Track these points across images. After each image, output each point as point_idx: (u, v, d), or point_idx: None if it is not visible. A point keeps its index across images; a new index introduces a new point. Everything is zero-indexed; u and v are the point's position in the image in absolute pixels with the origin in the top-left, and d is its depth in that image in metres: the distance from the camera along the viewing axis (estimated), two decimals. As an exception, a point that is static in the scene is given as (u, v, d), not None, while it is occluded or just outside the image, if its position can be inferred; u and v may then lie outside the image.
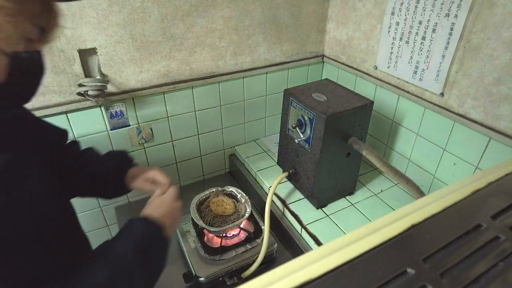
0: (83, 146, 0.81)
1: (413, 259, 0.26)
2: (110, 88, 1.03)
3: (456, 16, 0.88)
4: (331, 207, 1.09)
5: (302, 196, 1.12)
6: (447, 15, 0.90)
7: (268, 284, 0.24)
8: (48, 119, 0.75)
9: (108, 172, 0.77)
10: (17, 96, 0.52)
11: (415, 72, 1.03)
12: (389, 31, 1.08)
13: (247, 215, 1.00)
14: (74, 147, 0.80)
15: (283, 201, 1.11)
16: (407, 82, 1.07)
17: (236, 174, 1.39)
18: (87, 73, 0.99)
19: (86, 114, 1.04)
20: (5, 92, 0.48)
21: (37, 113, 0.80)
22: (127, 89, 1.07)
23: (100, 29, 0.95)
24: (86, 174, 0.75)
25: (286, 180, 1.16)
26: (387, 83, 1.14)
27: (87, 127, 1.06)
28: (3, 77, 0.46)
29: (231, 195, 1.10)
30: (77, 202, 0.69)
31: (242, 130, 1.39)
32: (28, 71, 0.50)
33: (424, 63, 0.99)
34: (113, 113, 1.08)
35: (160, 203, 0.68)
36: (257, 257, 0.94)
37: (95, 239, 0.64)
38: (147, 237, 0.59)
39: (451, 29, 0.90)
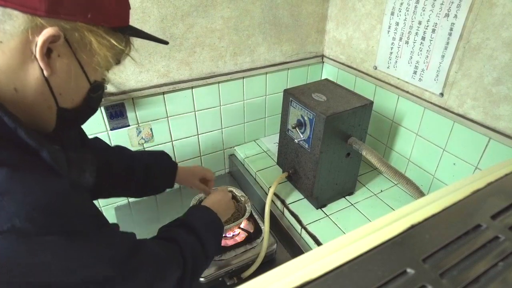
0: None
1: (412, 259, 0.26)
2: (110, 88, 1.03)
3: (455, 16, 0.88)
4: (331, 207, 1.09)
5: (302, 196, 1.12)
6: (447, 15, 0.90)
7: (268, 284, 0.24)
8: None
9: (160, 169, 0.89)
10: (80, 118, 0.55)
11: (415, 72, 1.03)
12: (388, 31, 1.08)
13: (247, 215, 1.00)
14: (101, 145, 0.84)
15: (283, 201, 1.11)
16: (406, 82, 1.07)
17: (236, 174, 1.39)
18: (87, 73, 0.99)
19: (85, 114, 1.04)
20: (79, 114, 0.52)
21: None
22: (126, 89, 1.06)
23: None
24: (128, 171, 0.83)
25: (286, 180, 1.16)
26: (386, 83, 1.14)
27: (86, 127, 1.04)
28: (80, 102, 0.50)
29: (231, 195, 1.10)
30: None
31: (241, 130, 1.39)
32: (97, 97, 0.54)
33: (424, 63, 1.00)
34: (113, 113, 1.08)
35: (213, 198, 0.88)
36: (257, 257, 0.94)
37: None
38: (209, 216, 0.77)
39: (451, 29, 0.90)
